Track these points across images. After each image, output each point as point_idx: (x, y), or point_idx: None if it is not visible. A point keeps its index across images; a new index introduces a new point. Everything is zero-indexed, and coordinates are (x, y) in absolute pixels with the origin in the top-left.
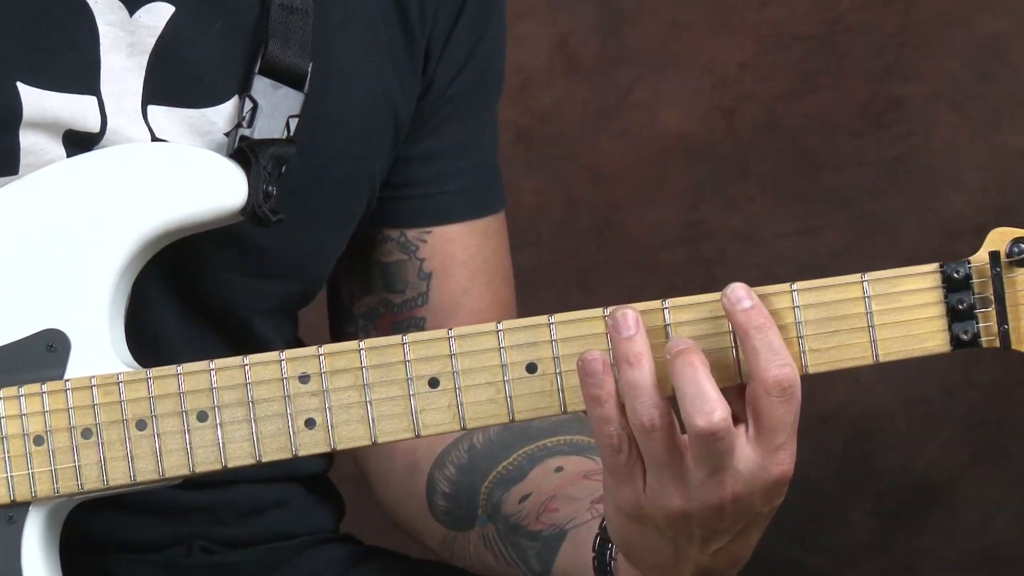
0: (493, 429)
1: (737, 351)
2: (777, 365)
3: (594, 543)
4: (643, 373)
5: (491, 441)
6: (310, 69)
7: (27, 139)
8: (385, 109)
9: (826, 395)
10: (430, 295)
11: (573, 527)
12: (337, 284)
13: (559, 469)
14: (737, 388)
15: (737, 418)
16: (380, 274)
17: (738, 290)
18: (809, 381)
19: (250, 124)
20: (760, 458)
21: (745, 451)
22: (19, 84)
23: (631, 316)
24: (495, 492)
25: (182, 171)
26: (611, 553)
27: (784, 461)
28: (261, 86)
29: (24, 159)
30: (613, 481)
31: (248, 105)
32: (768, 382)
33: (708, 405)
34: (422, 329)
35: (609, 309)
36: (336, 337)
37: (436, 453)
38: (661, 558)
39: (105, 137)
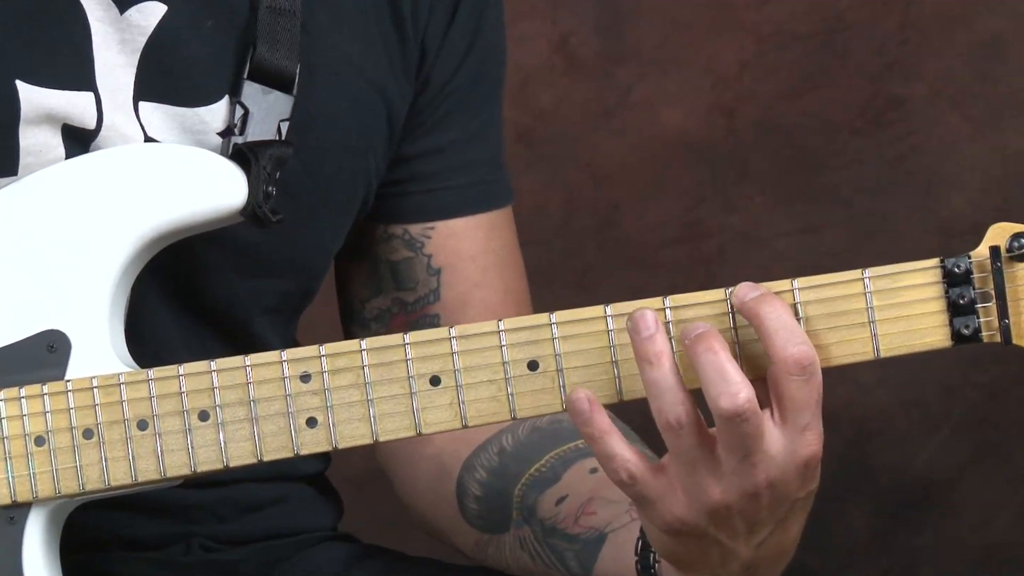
0: (523, 431)
1: (740, 347)
2: (794, 344)
3: (636, 546)
4: (664, 372)
5: (521, 444)
6: (298, 71)
7: (26, 138)
8: (378, 103)
9: (826, 396)
10: (441, 291)
11: (612, 530)
12: (347, 288)
13: (594, 470)
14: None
15: (761, 404)
16: (390, 273)
17: (743, 286)
18: None
19: (242, 131)
20: (789, 441)
21: (773, 434)
22: (17, 82)
23: (650, 316)
24: (529, 495)
25: (182, 172)
26: (654, 556)
27: (812, 442)
28: (251, 91)
29: (24, 159)
30: (642, 508)
31: (239, 112)
32: (788, 362)
33: (733, 387)
34: (436, 327)
35: (610, 307)
36: None
37: (463, 457)
38: (707, 561)
39: (101, 134)
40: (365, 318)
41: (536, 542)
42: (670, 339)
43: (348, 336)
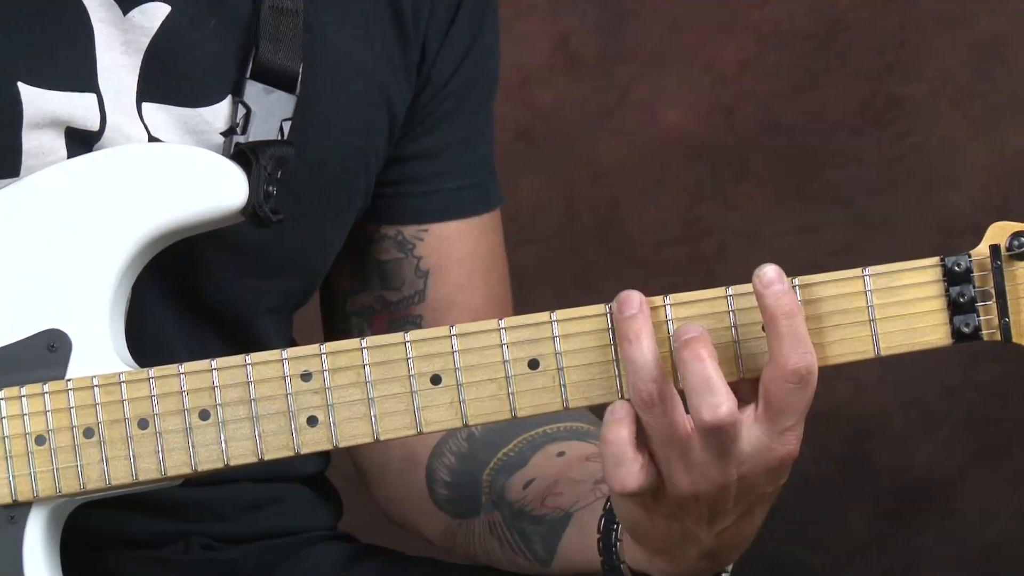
0: None
1: (739, 346)
2: (800, 352)
3: (599, 524)
4: (642, 350)
5: (489, 429)
6: (301, 70)
7: (29, 140)
8: (380, 102)
9: (826, 394)
10: (427, 293)
11: (577, 509)
12: (330, 282)
13: (561, 454)
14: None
15: (744, 399)
16: (376, 272)
17: (770, 272)
18: None
19: (244, 131)
20: (767, 439)
21: (752, 431)
22: (20, 84)
23: (635, 297)
24: (498, 479)
25: (183, 171)
26: (616, 534)
27: (790, 442)
28: (253, 91)
29: (26, 161)
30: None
31: (241, 111)
32: (787, 369)
33: (715, 399)
34: (418, 327)
35: (611, 305)
36: (328, 336)
37: (432, 443)
38: (669, 540)
39: (105, 135)
40: (347, 312)
41: (504, 527)
42: (668, 320)
43: (328, 331)
